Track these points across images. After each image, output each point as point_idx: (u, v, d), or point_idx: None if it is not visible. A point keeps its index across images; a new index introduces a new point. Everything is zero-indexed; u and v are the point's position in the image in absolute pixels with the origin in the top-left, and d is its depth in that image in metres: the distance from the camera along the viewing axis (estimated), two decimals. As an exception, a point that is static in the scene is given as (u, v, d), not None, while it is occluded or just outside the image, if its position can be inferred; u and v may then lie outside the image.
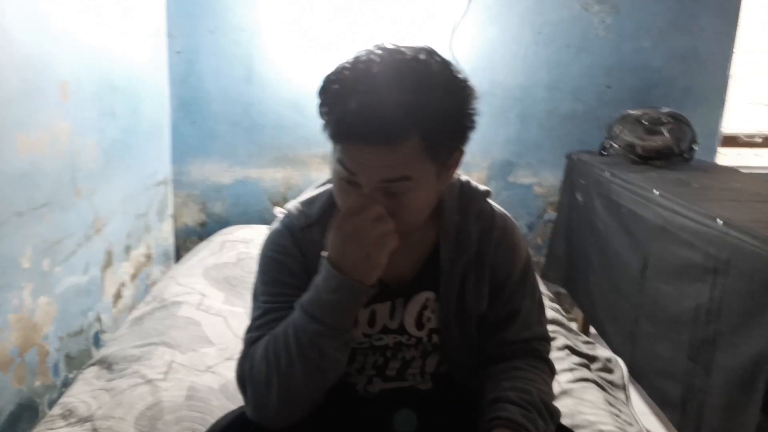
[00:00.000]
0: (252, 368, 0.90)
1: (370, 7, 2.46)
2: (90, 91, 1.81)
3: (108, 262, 1.97)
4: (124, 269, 2.11)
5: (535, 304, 1.05)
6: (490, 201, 1.05)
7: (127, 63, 2.10)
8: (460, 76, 0.86)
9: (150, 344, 1.62)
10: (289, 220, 1.00)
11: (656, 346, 1.72)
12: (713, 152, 2.73)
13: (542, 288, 2.15)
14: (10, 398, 1.46)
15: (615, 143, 2.36)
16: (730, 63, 2.64)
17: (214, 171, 2.67)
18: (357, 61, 0.84)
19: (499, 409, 0.91)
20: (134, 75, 2.17)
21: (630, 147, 2.30)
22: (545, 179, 2.72)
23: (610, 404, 1.52)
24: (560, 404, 1.44)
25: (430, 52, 0.85)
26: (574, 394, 1.53)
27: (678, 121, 2.29)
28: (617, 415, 1.47)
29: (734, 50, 2.63)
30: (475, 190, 1.03)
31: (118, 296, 2.06)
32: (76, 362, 1.76)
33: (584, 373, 1.64)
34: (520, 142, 2.68)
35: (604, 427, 1.38)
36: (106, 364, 1.55)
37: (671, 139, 2.26)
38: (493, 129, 2.65)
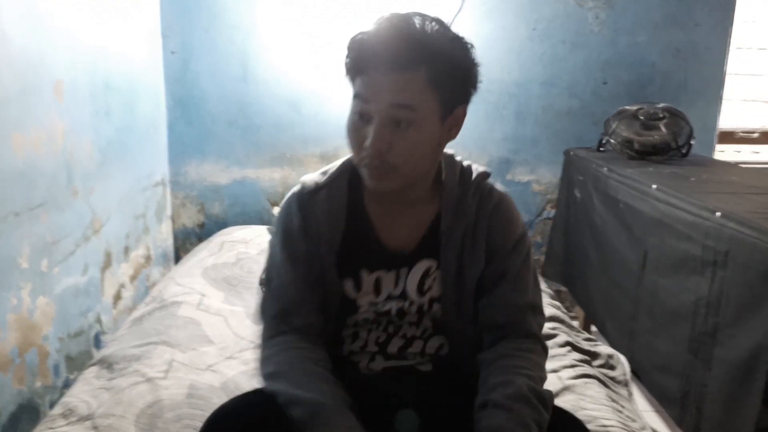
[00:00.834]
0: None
1: (366, 4, 2.45)
2: (85, 90, 1.80)
3: (107, 263, 1.97)
4: (123, 270, 2.11)
5: (529, 273, 1.10)
6: (490, 181, 1.11)
7: (122, 62, 2.10)
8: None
9: (150, 344, 1.62)
10: (300, 187, 1.09)
11: (655, 340, 1.72)
12: (711, 148, 2.73)
13: (543, 286, 2.16)
14: (11, 399, 1.46)
15: (612, 139, 2.35)
16: (726, 58, 2.65)
17: (212, 171, 2.67)
18: (376, 20, 0.96)
19: (487, 416, 0.94)
20: (129, 74, 2.17)
21: (627, 142, 2.30)
22: (543, 176, 2.72)
23: (613, 400, 1.51)
24: (562, 400, 1.44)
25: (440, 22, 0.99)
26: (575, 390, 1.52)
27: (675, 116, 2.28)
28: (620, 411, 1.46)
29: (729, 46, 2.63)
30: (476, 170, 1.11)
31: (118, 297, 2.06)
32: (77, 363, 1.76)
33: (586, 369, 1.64)
34: (516, 139, 2.68)
35: (606, 422, 1.38)
36: (107, 363, 1.55)
37: (668, 134, 2.25)
38: (489, 126, 2.65)
